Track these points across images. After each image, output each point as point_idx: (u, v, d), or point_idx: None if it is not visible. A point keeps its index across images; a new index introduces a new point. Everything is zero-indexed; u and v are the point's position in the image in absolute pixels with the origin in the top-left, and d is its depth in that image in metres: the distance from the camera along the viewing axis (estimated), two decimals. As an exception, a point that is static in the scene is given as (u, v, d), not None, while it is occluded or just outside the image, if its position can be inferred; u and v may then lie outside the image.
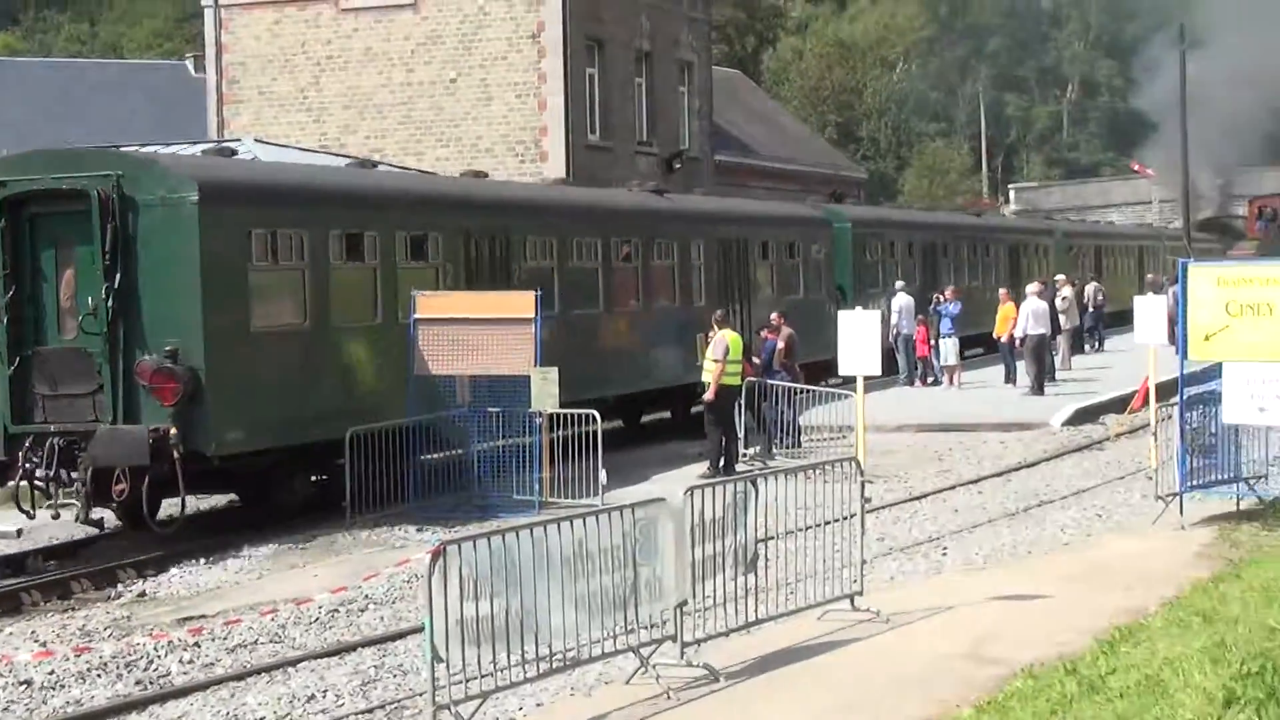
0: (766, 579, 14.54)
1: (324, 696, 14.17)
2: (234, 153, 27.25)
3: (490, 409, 24.45)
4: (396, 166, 39.36)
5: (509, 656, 11.97)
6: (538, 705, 13.11)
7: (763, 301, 36.37)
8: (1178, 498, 19.93)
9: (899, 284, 42.79)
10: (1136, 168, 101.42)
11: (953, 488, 25.09)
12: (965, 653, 13.63)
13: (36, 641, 17.10)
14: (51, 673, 15.49)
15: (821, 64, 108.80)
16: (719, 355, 26.87)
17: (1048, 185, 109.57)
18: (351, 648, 15.93)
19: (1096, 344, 51.41)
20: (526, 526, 12.26)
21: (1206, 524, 19.54)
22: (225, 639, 16.53)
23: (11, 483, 22.15)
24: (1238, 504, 20.27)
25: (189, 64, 70.55)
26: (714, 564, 13.60)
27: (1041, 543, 19.79)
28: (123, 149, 27.17)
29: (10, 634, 17.74)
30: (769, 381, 28.84)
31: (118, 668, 15.65)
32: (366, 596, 18.20)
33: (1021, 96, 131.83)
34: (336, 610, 17.58)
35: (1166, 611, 14.45)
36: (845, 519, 15.08)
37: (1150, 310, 24.96)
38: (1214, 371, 20.17)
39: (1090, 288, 53.36)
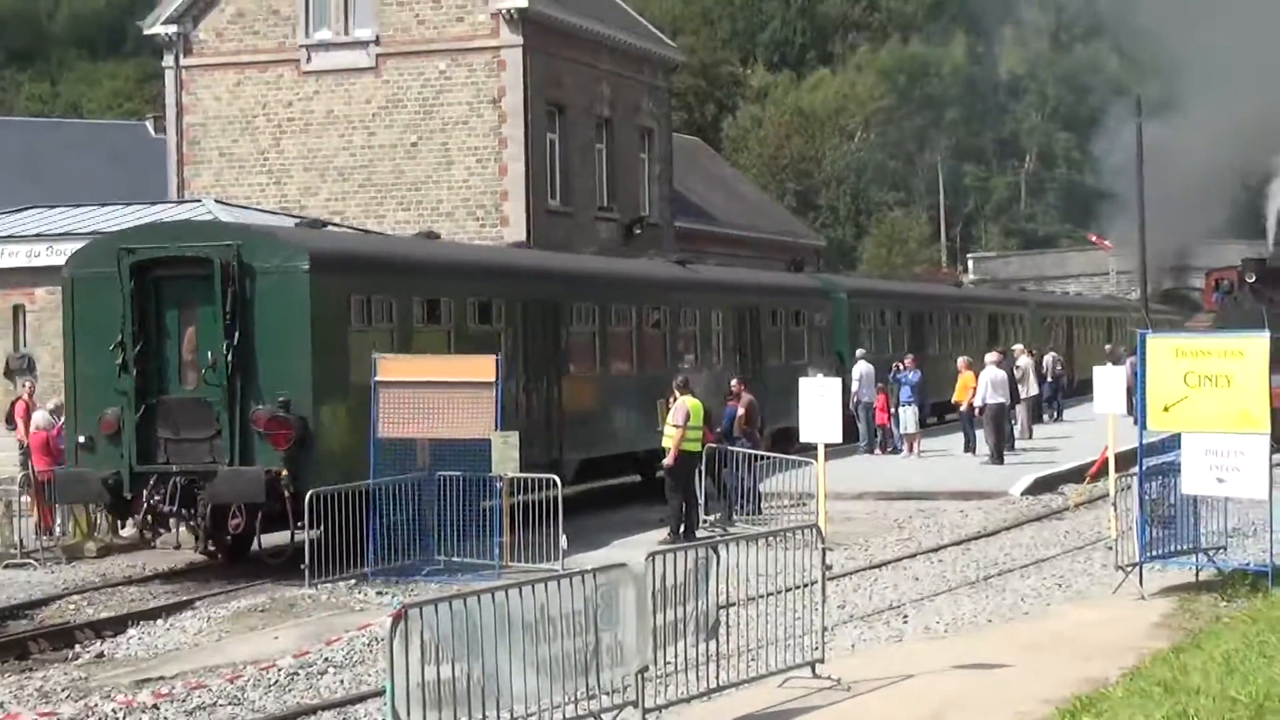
0: (728, 645, 14.53)
1: (283, 760, 14.09)
2: (325, 224, 30.63)
3: (448, 473, 24.43)
4: (356, 229, 39.27)
5: (470, 721, 11.91)
6: (499, 770, 13.04)
7: (772, 366, 38.55)
8: (1137, 568, 19.98)
9: (859, 351, 42.96)
10: (1093, 239, 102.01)
11: (913, 556, 25.10)
12: (927, 721, 13.62)
13: (-6, 702, 17.00)
14: (10, 735, 15.40)
15: (780, 132, 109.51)
16: (679, 421, 26.91)
17: (1006, 255, 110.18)
18: (311, 710, 15.85)
19: (1055, 414, 51.60)
20: (488, 590, 12.23)
21: (1166, 594, 19.57)
22: (184, 701, 16.42)
23: (136, 516, 24.72)
24: (1197, 574, 20.29)
25: (149, 124, 70.49)
26: (676, 630, 13.59)
27: (1002, 611, 19.80)
28: (230, 225, 29.83)
29: (-33, 695, 17.60)
30: (729, 448, 28.88)
31: (76, 730, 15.55)
32: (326, 659, 18.09)
33: (980, 166, 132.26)
34: (296, 673, 17.46)
35: (1128, 681, 14.45)
36: (806, 586, 15.09)
37: (1109, 380, 25.09)
38: (1173, 442, 20.25)
39: (1049, 358, 53.43)
